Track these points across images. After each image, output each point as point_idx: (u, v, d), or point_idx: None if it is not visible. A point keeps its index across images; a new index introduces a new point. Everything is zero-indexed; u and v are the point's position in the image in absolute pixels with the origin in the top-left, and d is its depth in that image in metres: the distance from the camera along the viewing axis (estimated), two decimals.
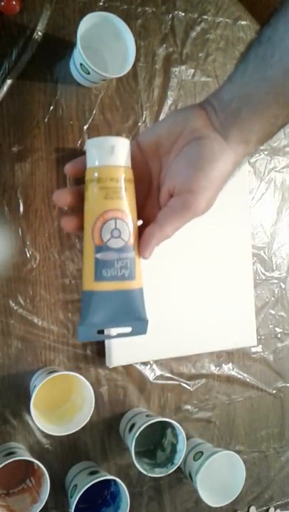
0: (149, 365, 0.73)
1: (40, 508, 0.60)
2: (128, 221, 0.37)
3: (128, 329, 0.39)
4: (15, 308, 0.65)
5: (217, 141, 0.37)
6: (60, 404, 0.67)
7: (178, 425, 0.66)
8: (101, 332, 0.40)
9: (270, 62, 0.35)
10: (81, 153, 0.68)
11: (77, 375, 0.61)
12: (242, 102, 0.36)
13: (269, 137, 0.38)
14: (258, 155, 0.82)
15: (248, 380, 0.81)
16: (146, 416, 0.67)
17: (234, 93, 0.37)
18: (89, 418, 0.62)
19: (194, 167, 0.37)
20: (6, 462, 0.57)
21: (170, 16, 0.75)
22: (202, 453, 0.69)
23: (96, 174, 0.37)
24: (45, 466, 0.59)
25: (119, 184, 0.37)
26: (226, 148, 0.37)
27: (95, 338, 0.40)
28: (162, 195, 0.40)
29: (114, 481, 0.63)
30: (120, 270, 0.37)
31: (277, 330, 0.84)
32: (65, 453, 0.68)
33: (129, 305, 0.38)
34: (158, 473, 0.67)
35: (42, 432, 0.64)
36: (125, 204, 0.37)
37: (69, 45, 0.68)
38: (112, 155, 0.37)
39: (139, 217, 0.40)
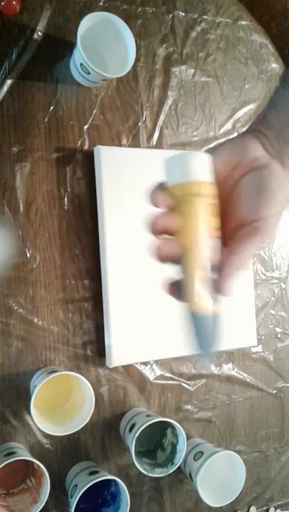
0: (149, 365, 0.73)
1: (41, 508, 0.60)
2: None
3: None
4: (15, 308, 0.65)
5: (278, 169, 0.38)
6: (60, 404, 0.66)
7: (178, 425, 0.66)
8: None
9: None
10: (81, 153, 0.69)
11: (78, 375, 0.61)
12: None
13: None
14: None
15: (248, 380, 0.81)
16: (147, 416, 0.67)
17: (284, 121, 0.38)
18: (89, 418, 0.62)
19: (262, 196, 0.38)
20: (6, 462, 0.57)
21: (170, 15, 0.75)
22: (202, 453, 0.69)
23: (202, 189, 0.36)
24: (45, 466, 0.59)
25: (216, 201, 0.37)
26: (286, 174, 0.38)
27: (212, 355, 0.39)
28: (229, 226, 0.40)
29: (115, 481, 0.63)
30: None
31: (278, 330, 0.84)
32: (65, 453, 0.68)
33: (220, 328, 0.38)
34: (158, 473, 0.67)
35: (42, 432, 0.64)
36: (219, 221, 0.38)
37: (69, 45, 0.68)
38: (209, 172, 0.37)
39: None
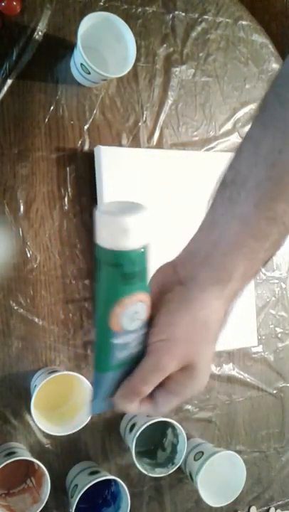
0: None
1: (41, 508, 0.60)
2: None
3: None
4: (15, 308, 0.65)
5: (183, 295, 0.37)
6: (60, 404, 0.67)
7: (178, 425, 0.66)
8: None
9: (237, 200, 0.35)
10: (81, 153, 0.69)
11: (78, 375, 0.61)
12: (212, 247, 0.36)
13: (253, 271, 0.37)
14: None
15: (248, 380, 0.81)
16: (147, 416, 0.67)
17: (202, 241, 0.37)
18: (89, 418, 0.62)
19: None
20: (7, 462, 0.57)
21: (170, 15, 0.75)
22: (203, 453, 0.69)
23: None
24: (45, 466, 0.60)
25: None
26: (206, 298, 0.36)
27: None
28: None
29: (115, 480, 0.63)
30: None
31: (278, 330, 0.84)
32: (65, 453, 0.68)
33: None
34: (158, 473, 0.67)
35: (42, 432, 0.64)
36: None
37: (69, 45, 0.68)
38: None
39: None
